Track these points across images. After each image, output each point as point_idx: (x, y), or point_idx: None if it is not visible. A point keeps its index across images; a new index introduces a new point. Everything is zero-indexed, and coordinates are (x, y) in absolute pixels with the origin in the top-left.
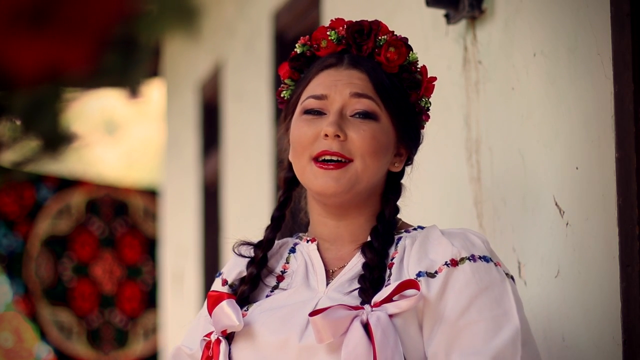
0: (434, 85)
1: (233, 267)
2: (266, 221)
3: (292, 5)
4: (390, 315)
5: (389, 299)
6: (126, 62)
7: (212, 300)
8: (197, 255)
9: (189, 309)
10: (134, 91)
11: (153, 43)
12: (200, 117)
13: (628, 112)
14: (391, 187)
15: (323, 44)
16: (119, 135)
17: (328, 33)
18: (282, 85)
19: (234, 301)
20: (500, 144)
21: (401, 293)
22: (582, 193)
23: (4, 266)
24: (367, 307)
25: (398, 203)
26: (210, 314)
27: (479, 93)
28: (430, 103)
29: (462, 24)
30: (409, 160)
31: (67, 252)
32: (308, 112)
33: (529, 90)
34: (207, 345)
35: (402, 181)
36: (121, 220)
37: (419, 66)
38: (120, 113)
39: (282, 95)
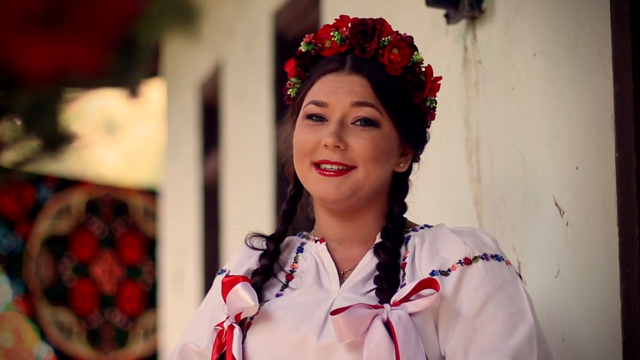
0: (439, 84)
1: (239, 264)
2: (266, 221)
3: (292, 5)
4: (410, 314)
5: (407, 298)
6: (126, 63)
7: (226, 286)
8: (197, 255)
9: (189, 309)
10: (133, 91)
11: (153, 43)
12: (200, 117)
13: (628, 112)
14: (398, 185)
15: (327, 44)
16: (119, 135)
17: (332, 33)
18: (288, 82)
19: (248, 284)
20: (500, 144)
21: (419, 292)
22: (582, 193)
23: (4, 266)
24: (387, 306)
25: (405, 200)
26: (224, 299)
27: (479, 93)
28: (435, 102)
29: (462, 24)
30: (415, 158)
31: (67, 252)
32: (310, 117)
33: (529, 90)
34: (220, 334)
35: (410, 177)
36: (121, 220)
37: (423, 66)
38: (120, 113)
39: (288, 93)
